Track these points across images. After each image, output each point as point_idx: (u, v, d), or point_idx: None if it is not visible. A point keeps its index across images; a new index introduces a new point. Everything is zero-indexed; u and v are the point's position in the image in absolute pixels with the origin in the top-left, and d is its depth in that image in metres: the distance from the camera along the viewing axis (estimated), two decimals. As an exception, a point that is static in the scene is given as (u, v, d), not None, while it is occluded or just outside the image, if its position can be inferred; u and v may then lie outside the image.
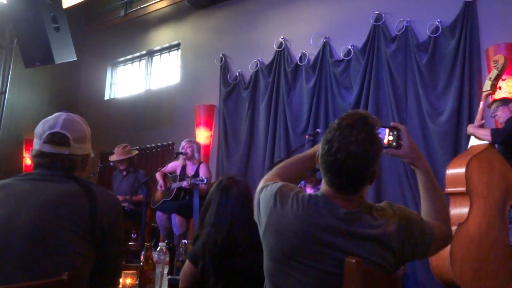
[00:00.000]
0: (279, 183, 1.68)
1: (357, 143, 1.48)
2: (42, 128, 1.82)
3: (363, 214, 1.55)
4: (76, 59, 6.36)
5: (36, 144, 1.81)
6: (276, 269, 1.58)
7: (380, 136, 1.65)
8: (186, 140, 5.91)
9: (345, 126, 1.51)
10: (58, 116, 1.85)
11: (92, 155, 1.94)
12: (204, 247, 2.31)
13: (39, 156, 1.79)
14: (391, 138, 1.74)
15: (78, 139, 1.83)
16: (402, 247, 1.56)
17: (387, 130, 1.75)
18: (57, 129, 1.80)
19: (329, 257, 1.50)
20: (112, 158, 6.09)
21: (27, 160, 8.74)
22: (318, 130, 5.51)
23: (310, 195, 1.59)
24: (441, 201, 1.73)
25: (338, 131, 1.51)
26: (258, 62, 6.99)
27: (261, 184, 1.78)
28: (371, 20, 5.90)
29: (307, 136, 5.46)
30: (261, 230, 1.65)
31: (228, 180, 2.47)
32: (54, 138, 1.78)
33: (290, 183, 1.70)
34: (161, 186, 5.76)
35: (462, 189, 3.82)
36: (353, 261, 1.44)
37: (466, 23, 5.20)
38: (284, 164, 1.90)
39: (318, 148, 1.76)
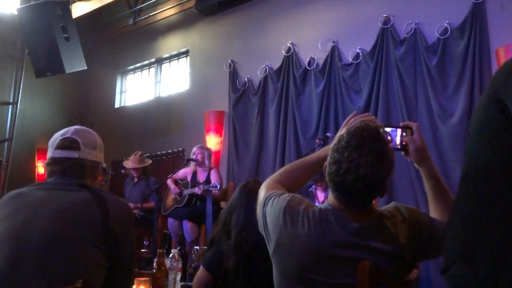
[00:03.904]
0: (286, 196, 1.63)
1: (366, 166, 1.43)
2: (55, 137, 1.88)
3: (375, 227, 1.52)
4: (86, 68, 6.43)
5: (49, 153, 1.86)
6: (288, 286, 1.55)
7: (391, 137, 1.62)
8: (197, 146, 5.92)
9: (354, 147, 1.46)
10: (71, 127, 1.92)
11: (104, 165, 1.96)
12: (237, 247, 2.30)
13: (51, 164, 1.83)
14: (403, 139, 1.71)
15: (88, 144, 1.86)
16: (414, 254, 1.56)
17: (399, 131, 1.72)
18: (68, 135, 1.85)
19: (343, 270, 1.48)
20: (127, 164, 6.12)
21: (40, 169, 8.79)
22: (328, 134, 5.49)
23: (320, 210, 1.56)
24: (451, 204, 1.71)
25: (346, 152, 1.46)
26: (267, 67, 7.00)
27: (263, 192, 1.73)
28: (379, 23, 5.88)
29: (317, 141, 5.44)
30: (270, 247, 1.61)
31: (254, 183, 2.48)
32: (65, 142, 1.84)
33: (296, 195, 1.65)
34: (175, 189, 5.77)
35: None
36: (367, 264, 1.43)
37: (475, 24, 5.17)
38: (285, 170, 1.84)
39: (323, 154, 1.74)
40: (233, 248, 2.32)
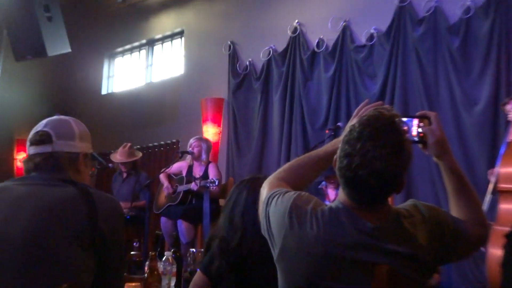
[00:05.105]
0: (291, 194, 1.62)
1: (381, 159, 1.43)
2: (31, 132, 1.90)
3: (392, 227, 1.52)
4: (70, 51, 6.42)
5: (27, 150, 1.90)
6: None
7: (407, 128, 1.61)
8: (195, 137, 5.91)
9: (367, 138, 1.45)
10: (46, 119, 1.94)
11: (91, 153, 1.97)
12: (236, 249, 2.32)
13: (26, 161, 1.87)
14: (421, 130, 1.70)
15: (62, 135, 1.88)
16: (435, 257, 1.56)
17: (416, 121, 1.71)
18: (39, 129, 1.88)
19: (356, 274, 1.48)
20: (115, 158, 6.12)
21: (20, 162, 8.82)
22: (339, 124, 5.47)
23: (330, 208, 1.55)
24: (475, 202, 1.70)
25: (359, 144, 1.46)
26: (271, 49, 6.98)
27: (266, 190, 1.72)
28: (395, 1, 5.86)
29: (327, 131, 5.43)
30: (274, 251, 1.60)
31: (257, 179, 2.49)
32: (36, 137, 1.86)
33: (303, 193, 1.64)
34: (167, 188, 5.76)
35: None
36: (384, 269, 1.44)
37: (501, 2, 5.15)
38: (290, 166, 1.83)
39: (332, 147, 1.74)
40: (237, 245, 2.34)
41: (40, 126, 1.89)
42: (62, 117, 1.97)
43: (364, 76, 6.08)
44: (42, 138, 1.85)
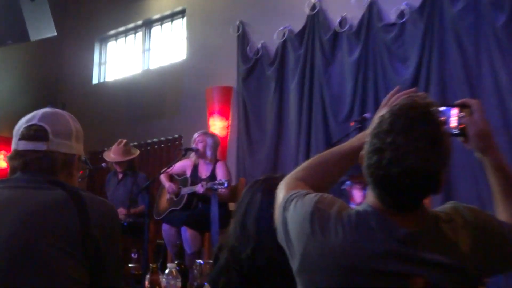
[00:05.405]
0: (312, 197, 1.61)
1: (416, 154, 1.42)
2: (19, 124, 1.90)
3: (429, 233, 1.52)
4: (56, 34, 6.44)
5: (13, 144, 1.89)
6: None
7: (445, 119, 1.60)
8: (199, 132, 5.89)
9: (399, 130, 1.44)
10: (39, 110, 1.93)
11: (83, 157, 1.98)
12: (251, 260, 2.33)
13: (13, 158, 1.87)
14: (461, 121, 1.69)
15: (60, 133, 1.89)
16: (479, 267, 1.54)
17: (455, 110, 1.70)
18: (34, 122, 1.88)
19: (389, 287, 1.47)
20: (109, 157, 6.13)
21: (1, 163, 8.87)
22: (366, 115, 5.45)
23: (357, 212, 1.55)
24: None
25: (390, 137, 1.45)
26: (286, 30, 6.97)
27: (282, 192, 1.73)
28: (430, -28, 5.83)
29: (352, 123, 5.42)
30: (294, 263, 1.60)
31: (273, 179, 2.50)
32: (29, 131, 1.86)
33: (326, 195, 1.63)
34: (171, 187, 5.75)
35: None
36: (421, 281, 1.44)
37: (556, -31, 5.12)
38: (309, 164, 1.83)
39: (358, 142, 1.73)
40: (245, 261, 2.35)
41: (34, 118, 1.89)
42: (58, 111, 1.97)
43: (394, 59, 6.05)
44: (37, 134, 1.85)
